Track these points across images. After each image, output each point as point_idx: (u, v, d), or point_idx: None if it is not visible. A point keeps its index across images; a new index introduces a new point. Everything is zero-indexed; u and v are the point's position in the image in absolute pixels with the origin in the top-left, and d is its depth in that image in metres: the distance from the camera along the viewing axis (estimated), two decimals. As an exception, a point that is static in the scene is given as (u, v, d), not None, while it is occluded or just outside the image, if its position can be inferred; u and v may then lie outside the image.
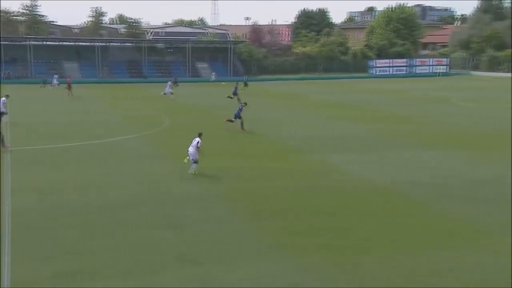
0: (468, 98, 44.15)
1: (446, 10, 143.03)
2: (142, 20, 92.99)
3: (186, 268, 10.70)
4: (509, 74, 71.86)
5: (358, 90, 52.85)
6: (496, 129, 28.53)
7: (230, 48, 72.25)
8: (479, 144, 24.09)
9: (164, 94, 43.62)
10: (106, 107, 37.83)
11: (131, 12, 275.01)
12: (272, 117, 33.00)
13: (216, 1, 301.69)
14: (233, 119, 27.46)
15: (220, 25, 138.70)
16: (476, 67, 78.61)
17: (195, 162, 17.83)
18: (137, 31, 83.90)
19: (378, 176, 17.95)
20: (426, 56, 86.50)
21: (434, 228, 12.97)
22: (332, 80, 67.48)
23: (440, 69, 76.30)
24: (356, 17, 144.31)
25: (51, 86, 53.16)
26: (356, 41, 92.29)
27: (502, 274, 10.52)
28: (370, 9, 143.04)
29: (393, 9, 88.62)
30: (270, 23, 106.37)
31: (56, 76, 56.38)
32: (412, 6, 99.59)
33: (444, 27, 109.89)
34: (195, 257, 11.17)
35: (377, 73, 75.84)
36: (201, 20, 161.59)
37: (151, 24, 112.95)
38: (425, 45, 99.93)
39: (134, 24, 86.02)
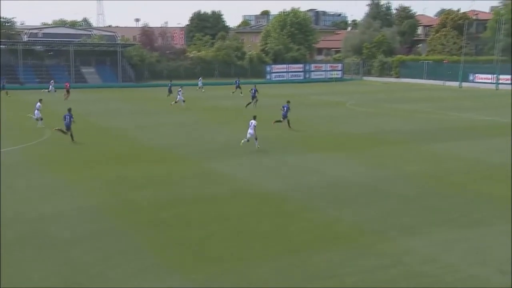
0: (360, 102, 44.86)
1: (339, 15, 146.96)
2: (15, 20, 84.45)
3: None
4: (396, 79, 74.22)
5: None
6: (383, 131, 28.99)
7: (119, 51, 67.04)
8: (366, 147, 24.09)
9: (175, 102, 40.59)
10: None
11: (2, 10, 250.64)
12: (159, 122, 32.21)
13: (101, 0, 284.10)
14: (281, 119, 28.61)
15: (107, 26, 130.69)
16: (368, 73, 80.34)
17: (256, 138, 22.27)
18: (10, 32, 75.35)
19: (263, 182, 17.60)
20: (321, 61, 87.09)
21: (321, 232, 12.89)
22: (229, 86, 65.13)
23: (335, 74, 76.92)
24: (251, 21, 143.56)
25: (48, 91, 49.88)
26: (252, 46, 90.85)
27: (386, 274, 10.54)
28: (265, 13, 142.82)
29: (287, 13, 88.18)
30: (162, 26, 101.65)
31: (52, 82, 51.85)
32: (305, 11, 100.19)
33: (337, 32, 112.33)
34: (75, 282, 9.97)
35: (274, 79, 74.52)
36: (85, 20, 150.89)
37: (27, 24, 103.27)
38: (319, 50, 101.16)
39: (7, 24, 77.05)
